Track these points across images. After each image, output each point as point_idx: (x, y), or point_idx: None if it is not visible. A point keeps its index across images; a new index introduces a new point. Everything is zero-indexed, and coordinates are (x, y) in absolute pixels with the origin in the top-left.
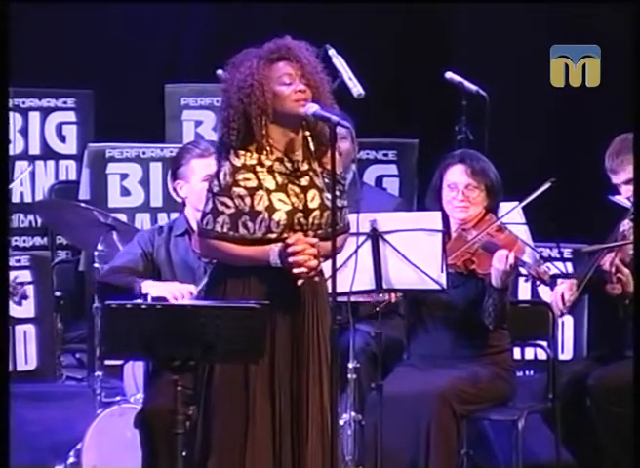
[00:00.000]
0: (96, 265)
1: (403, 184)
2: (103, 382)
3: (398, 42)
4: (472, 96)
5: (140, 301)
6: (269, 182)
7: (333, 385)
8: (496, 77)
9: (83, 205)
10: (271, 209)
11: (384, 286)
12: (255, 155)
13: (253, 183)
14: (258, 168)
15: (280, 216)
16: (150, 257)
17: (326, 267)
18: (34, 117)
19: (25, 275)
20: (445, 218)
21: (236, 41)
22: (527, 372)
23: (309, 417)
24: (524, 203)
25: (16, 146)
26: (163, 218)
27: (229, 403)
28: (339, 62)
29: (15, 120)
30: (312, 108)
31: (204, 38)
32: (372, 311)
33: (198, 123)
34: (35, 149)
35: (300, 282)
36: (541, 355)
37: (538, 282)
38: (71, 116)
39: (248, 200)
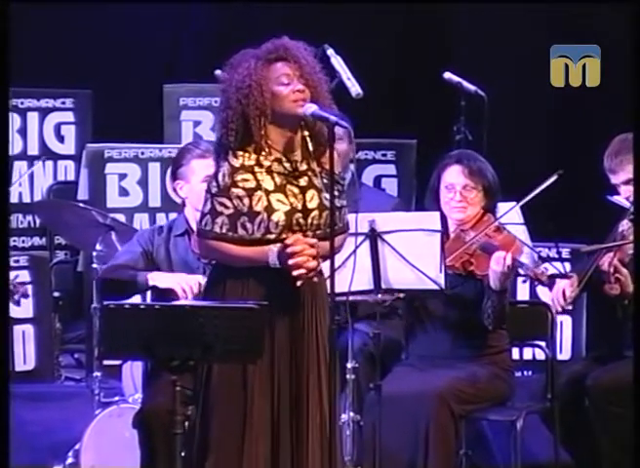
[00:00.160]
0: (94, 265)
1: (401, 185)
2: (102, 382)
3: (397, 42)
4: (471, 96)
5: (139, 302)
6: (268, 183)
7: (332, 386)
8: (495, 77)
9: (81, 205)
10: (270, 209)
11: (383, 286)
12: (253, 156)
13: (251, 184)
14: (256, 168)
15: (279, 217)
16: (150, 257)
17: (325, 267)
18: (33, 117)
19: (24, 275)
20: (443, 219)
21: (235, 41)
22: (525, 373)
23: (309, 418)
24: (531, 196)
25: (14, 146)
26: (161, 219)
27: (228, 403)
28: (337, 62)
29: (13, 120)
30: (311, 108)
31: (203, 38)
32: (371, 311)
33: (197, 123)
34: (34, 149)
35: (299, 283)
36: (540, 355)
37: (536, 283)
38: (70, 116)
39: (246, 201)
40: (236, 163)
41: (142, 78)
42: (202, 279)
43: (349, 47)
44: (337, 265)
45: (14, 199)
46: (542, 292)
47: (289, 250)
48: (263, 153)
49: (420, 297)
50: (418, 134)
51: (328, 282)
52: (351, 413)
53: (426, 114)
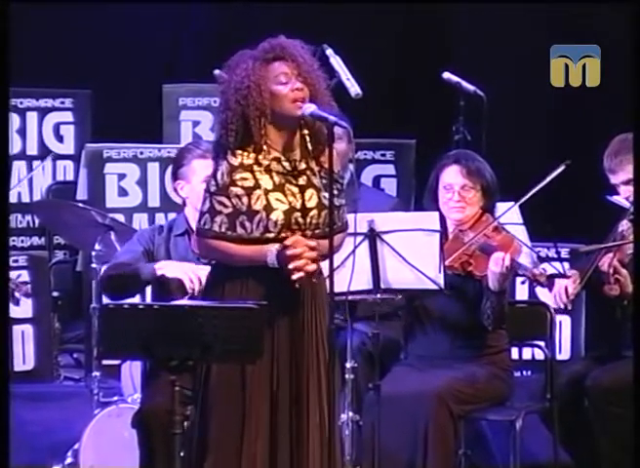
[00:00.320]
0: (93, 265)
1: (400, 185)
2: (101, 382)
3: (396, 42)
4: (470, 96)
5: (138, 302)
6: (267, 182)
7: (331, 386)
8: (495, 77)
9: (80, 205)
10: (269, 208)
11: (382, 286)
12: (252, 155)
13: (250, 183)
14: (255, 167)
15: (277, 216)
16: (151, 256)
17: (324, 267)
18: (32, 117)
19: (23, 275)
20: (442, 219)
21: (235, 41)
22: (524, 373)
23: (308, 418)
24: (540, 186)
25: (13, 146)
26: (160, 219)
27: (227, 403)
28: (336, 62)
29: (12, 120)
30: (310, 108)
31: (202, 38)
32: (371, 312)
33: (196, 123)
34: (33, 149)
35: (297, 284)
36: (539, 355)
37: (535, 284)
38: (69, 116)
39: (245, 199)
40: (235, 162)
41: (142, 78)
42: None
43: (349, 47)
44: (336, 265)
45: (13, 199)
46: (541, 292)
47: (289, 252)
48: (262, 152)
49: (420, 297)
50: (417, 134)
51: (327, 282)
52: (350, 413)
53: (426, 114)
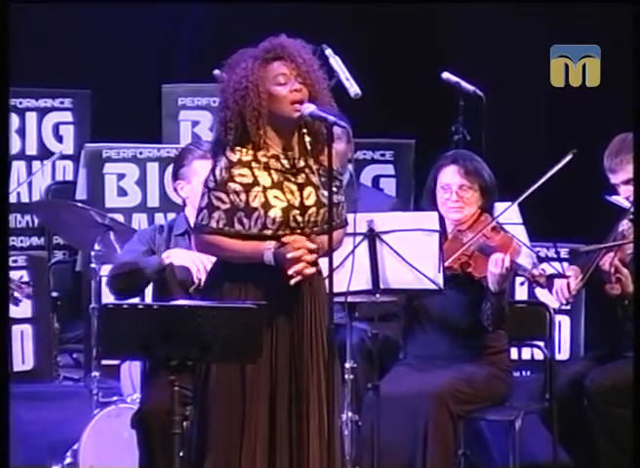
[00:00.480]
0: (93, 265)
1: (400, 185)
2: (100, 382)
3: (396, 42)
4: (469, 96)
5: (137, 301)
6: (265, 179)
7: (331, 385)
8: (495, 77)
9: (80, 205)
10: (267, 206)
11: (381, 286)
12: (251, 151)
13: (248, 180)
14: (253, 164)
15: (275, 214)
16: (153, 255)
17: (324, 267)
18: (31, 117)
19: (23, 275)
20: (441, 220)
21: (234, 41)
22: (524, 373)
23: (308, 418)
24: (547, 177)
25: (13, 146)
26: (160, 219)
27: (226, 403)
28: (335, 62)
29: (12, 120)
30: (309, 108)
31: (201, 38)
32: (370, 314)
33: (195, 123)
34: (32, 149)
35: (292, 281)
36: (538, 355)
37: (534, 285)
38: (68, 116)
39: (243, 196)
40: (233, 158)
41: (141, 78)
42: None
43: (348, 47)
44: (335, 265)
45: (12, 199)
46: (541, 292)
47: (289, 256)
48: (261, 150)
49: (419, 297)
50: (416, 134)
51: (327, 281)
52: (349, 413)
53: (425, 114)
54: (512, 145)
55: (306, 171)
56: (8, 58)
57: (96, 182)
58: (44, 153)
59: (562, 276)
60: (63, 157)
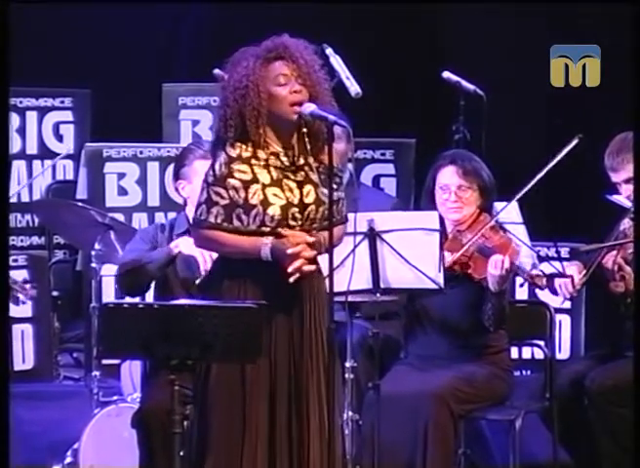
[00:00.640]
0: (93, 265)
1: (400, 184)
2: (101, 382)
3: (396, 41)
4: (470, 95)
5: (138, 301)
6: (264, 176)
7: (331, 385)
8: (496, 77)
9: (80, 204)
10: (266, 203)
11: (382, 285)
12: (250, 148)
13: (248, 176)
14: (253, 161)
15: (274, 211)
16: None
17: (324, 266)
18: (31, 116)
19: (23, 275)
20: (441, 220)
21: (234, 41)
22: (524, 372)
23: (309, 418)
24: (553, 163)
25: (13, 146)
26: (160, 218)
27: (226, 402)
28: (336, 62)
29: (12, 119)
30: (309, 108)
31: (201, 38)
32: (371, 314)
33: (195, 122)
34: (32, 149)
35: (291, 279)
36: (539, 354)
37: (533, 286)
38: (68, 115)
39: (242, 193)
40: (233, 153)
41: (141, 77)
42: None
43: (348, 46)
44: (335, 265)
45: (12, 198)
46: (541, 291)
47: (289, 251)
48: (261, 147)
49: (419, 297)
50: (416, 133)
51: (327, 280)
52: (350, 412)
53: (425, 113)
54: (512, 145)
55: (306, 168)
56: (8, 58)
57: (96, 182)
58: (44, 152)
59: (562, 276)
60: (64, 156)
